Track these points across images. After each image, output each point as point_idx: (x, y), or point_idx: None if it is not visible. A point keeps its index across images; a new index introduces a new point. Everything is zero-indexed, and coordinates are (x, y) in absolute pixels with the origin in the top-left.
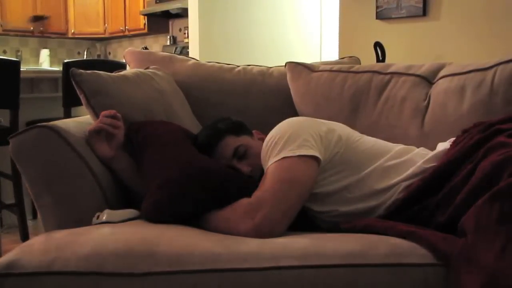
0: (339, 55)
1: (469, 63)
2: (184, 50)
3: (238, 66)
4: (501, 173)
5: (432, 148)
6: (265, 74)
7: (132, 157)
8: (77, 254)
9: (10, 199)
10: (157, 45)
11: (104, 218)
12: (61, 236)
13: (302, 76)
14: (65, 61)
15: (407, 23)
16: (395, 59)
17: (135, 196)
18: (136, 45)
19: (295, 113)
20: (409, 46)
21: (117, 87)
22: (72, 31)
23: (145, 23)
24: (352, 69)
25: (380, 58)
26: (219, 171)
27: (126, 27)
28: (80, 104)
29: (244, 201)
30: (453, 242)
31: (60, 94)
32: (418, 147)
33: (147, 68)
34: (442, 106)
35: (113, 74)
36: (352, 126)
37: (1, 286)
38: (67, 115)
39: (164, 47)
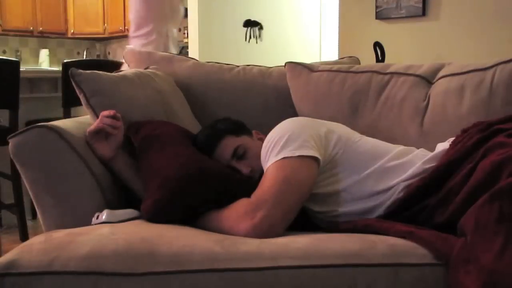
0: (338, 55)
1: (469, 63)
2: (184, 50)
3: (238, 66)
4: (500, 173)
5: (432, 147)
6: (264, 74)
7: (131, 157)
8: (77, 254)
9: (9, 199)
10: None
11: (103, 218)
12: (61, 236)
13: (302, 76)
14: (65, 61)
15: (406, 23)
16: (395, 59)
17: (135, 196)
18: None
19: (295, 113)
20: (408, 46)
21: (117, 87)
22: (72, 31)
23: None
24: (351, 69)
25: (380, 58)
26: (218, 171)
27: (126, 27)
28: (80, 104)
29: (244, 201)
30: (452, 242)
31: (59, 94)
32: (417, 147)
33: (147, 68)
34: (442, 106)
35: (112, 74)
36: (352, 126)
37: (1, 286)
38: (67, 115)
39: None
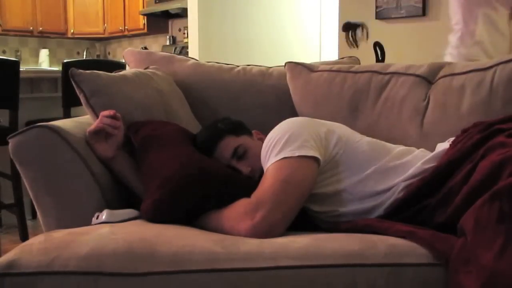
0: (338, 55)
1: (469, 63)
2: (184, 50)
3: (238, 66)
4: (500, 173)
5: (432, 148)
6: (264, 74)
7: (131, 157)
8: (77, 254)
9: (9, 199)
10: (156, 45)
11: (103, 218)
12: (61, 236)
13: (302, 76)
14: (65, 61)
15: (406, 23)
16: (395, 59)
17: (135, 196)
18: (136, 45)
19: (294, 113)
20: (408, 46)
21: (117, 87)
22: (72, 31)
23: (144, 23)
24: (351, 69)
25: (380, 58)
26: (218, 171)
27: (126, 27)
28: (80, 104)
29: (244, 201)
30: (452, 242)
31: (59, 94)
32: (417, 147)
33: (147, 68)
34: (442, 106)
35: (112, 74)
36: (352, 126)
37: (1, 285)
38: (67, 115)
39: (164, 47)
